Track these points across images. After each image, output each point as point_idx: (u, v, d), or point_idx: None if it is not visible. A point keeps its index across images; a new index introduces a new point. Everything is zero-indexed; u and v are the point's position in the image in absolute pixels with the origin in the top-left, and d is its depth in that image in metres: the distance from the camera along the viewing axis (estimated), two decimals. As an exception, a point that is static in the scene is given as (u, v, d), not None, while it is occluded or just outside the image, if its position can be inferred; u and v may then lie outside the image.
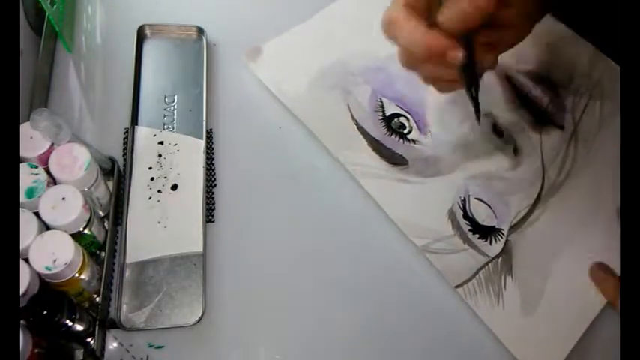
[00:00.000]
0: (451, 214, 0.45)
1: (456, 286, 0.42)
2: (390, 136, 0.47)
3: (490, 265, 0.43)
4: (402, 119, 0.48)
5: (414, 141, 0.47)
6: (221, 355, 0.39)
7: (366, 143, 0.47)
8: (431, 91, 0.43)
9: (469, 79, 0.38)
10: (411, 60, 0.39)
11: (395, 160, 0.47)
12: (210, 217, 0.44)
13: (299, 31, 0.52)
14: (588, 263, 0.44)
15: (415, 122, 0.48)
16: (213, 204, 0.44)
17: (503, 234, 0.44)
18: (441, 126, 0.48)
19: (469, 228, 0.44)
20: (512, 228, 0.45)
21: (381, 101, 0.49)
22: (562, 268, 0.43)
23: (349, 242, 0.44)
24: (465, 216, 0.45)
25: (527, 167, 0.47)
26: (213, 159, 0.46)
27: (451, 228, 0.44)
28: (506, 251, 0.44)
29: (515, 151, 0.48)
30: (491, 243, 0.44)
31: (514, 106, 0.50)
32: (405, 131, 0.48)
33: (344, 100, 0.49)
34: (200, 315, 0.39)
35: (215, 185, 0.45)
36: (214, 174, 0.45)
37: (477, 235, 0.44)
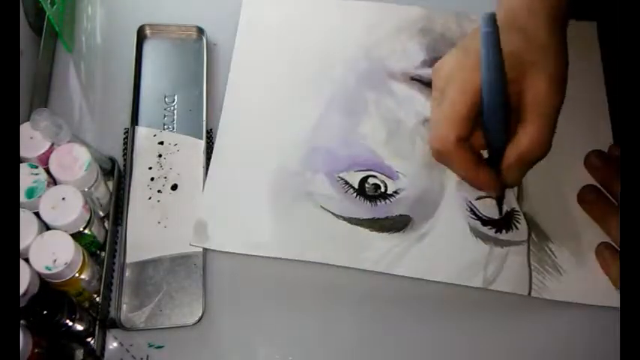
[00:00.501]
0: (474, 231, 0.43)
1: (529, 294, 0.41)
2: (376, 205, 0.43)
3: (531, 247, 0.43)
4: (370, 180, 0.44)
5: (396, 192, 0.44)
6: (221, 355, 0.39)
7: (367, 231, 0.43)
8: (370, 138, 0.44)
9: (499, 199, 0.44)
10: (444, 161, 0.41)
11: (399, 224, 0.43)
12: (210, 217, 0.43)
13: (215, 171, 0.45)
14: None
15: (382, 174, 0.44)
16: (213, 204, 0.44)
17: (518, 211, 0.44)
18: (402, 160, 0.45)
19: (494, 230, 0.43)
20: (519, 199, 0.44)
21: (342, 179, 0.44)
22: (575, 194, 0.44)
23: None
24: (483, 222, 0.43)
25: None
26: (213, 159, 0.46)
27: (484, 243, 0.43)
28: (532, 224, 0.44)
29: None
30: (517, 227, 0.43)
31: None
32: (382, 189, 0.44)
33: (315, 204, 0.43)
34: (200, 315, 0.39)
35: (215, 185, 0.45)
36: (214, 174, 0.45)
37: (504, 231, 0.43)
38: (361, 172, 0.44)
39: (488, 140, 0.40)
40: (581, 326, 0.41)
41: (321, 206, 0.43)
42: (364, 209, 0.43)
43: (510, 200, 0.44)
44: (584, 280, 0.42)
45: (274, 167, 0.45)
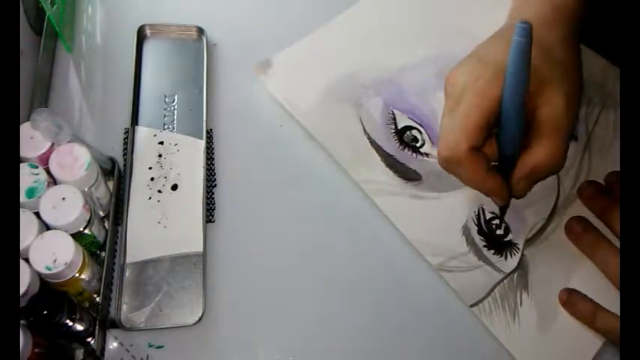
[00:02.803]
0: (465, 230, 0.44)
1: (471, 305, 0.41)
2: (403, 150, 0.47)
3: (506, 281, 0.42)
4: (414, 132, 0.47)
5: (426, 154, 0.46)
6: (221, 355, 0.39)
7: (379, 158, 0.46)
8: (443, 102, 0.42)
9: (503, 208, 0.44)
10: (453, 169, 0.40)
11: (408, 175, 0.46)
12: (210, 217, 0.44)
13: (308, 42, 0.51)
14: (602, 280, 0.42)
15: (428, 135, 0.47)
16: (213, 204, 0.44)
17: (518, 248, 0.44)
18: None
19: (484, 244, 0.43)
20: (528, 242, 0.44)
21: (393, 114, 0.48)
22: (579, 282, 0.42)
23: (350, 241, 0.44)
24: (480, 231, 0.44)
25: None
26: (213, 159, 0.46)
27: (466, 244, 0.43)
28: (522, 266, 0.43)
29: None
30: (506, 258, 0.43)
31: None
32: (418, 144, 0.47)
33: (356, 113, 0.48)
34: (200, 315, 0.39)
35: (215, 185, 0.45)
36: (214, 174, 0.45)
37: (492, 251, 0.43)
38: (412, 122, 0.48)
39: (500, 149, 0.40)
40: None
41: (359, 117, 0.48)
42: (391, 145, 0.47)
43: (520, 235, 0.44)
44: (529, 341, 0.40)
45: (349, 69, 0.50)
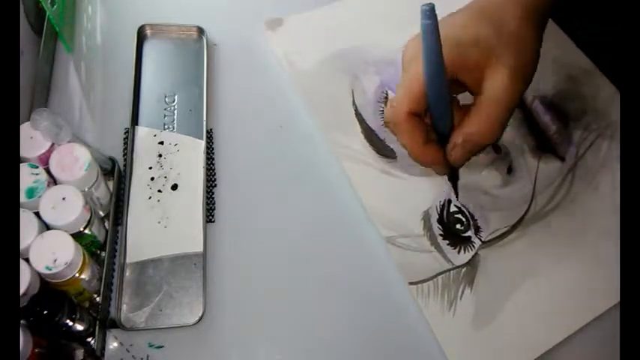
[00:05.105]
0: (426, 215, 0.45)
1: (410, 283, 0.42)
2: (387, 129, 0.47)
3: (452, 272, 0.43)
4: None
5: None
6: (221, 355, 0.39)
7: (360, 129, 0.48)
8: None
9: (450, 177, 0.44)
10: (395, 132, 0.40)
11: (384, 151, 0.47)
12: (210, 217, 0.44)
13: (323, 13, 0.54)
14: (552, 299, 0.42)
15: None
16: (213, 204, 0.44)
17: (474, 246, 0.44)
18: None
19: (440, 233, 0.44)
20: (485, 243, 0.44)
21: (387, 94, 0.50)
22: (525, 295, 0.42)
23: (350, 241, 0.44)
24: (440, 220, 0.44)
25: (517, 188, 0.47)
26: (213, 159, 0.46)
27: (422, 228, 0.44)
28: (472, 264, 0.43)
29: (509, 170, 0.48)
30: (459, 252, 0.43)
31: (519, 127, 0.50)
32: None
33: (350, 84, 0.50)
34: (200, 315, 0.39)
35: (215, 185, 0.45)
36: (214, 174, 0.45)
37: (447, 242, 0.44)
38: None
39: (434, 127, 0.40)
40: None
41: (352, 89, 0.50)
42: (376, 121, 0.49)
43: (480, 234, 0.44)
44: (459, 333, 0.40)
45: (355, 44, 0.52)
